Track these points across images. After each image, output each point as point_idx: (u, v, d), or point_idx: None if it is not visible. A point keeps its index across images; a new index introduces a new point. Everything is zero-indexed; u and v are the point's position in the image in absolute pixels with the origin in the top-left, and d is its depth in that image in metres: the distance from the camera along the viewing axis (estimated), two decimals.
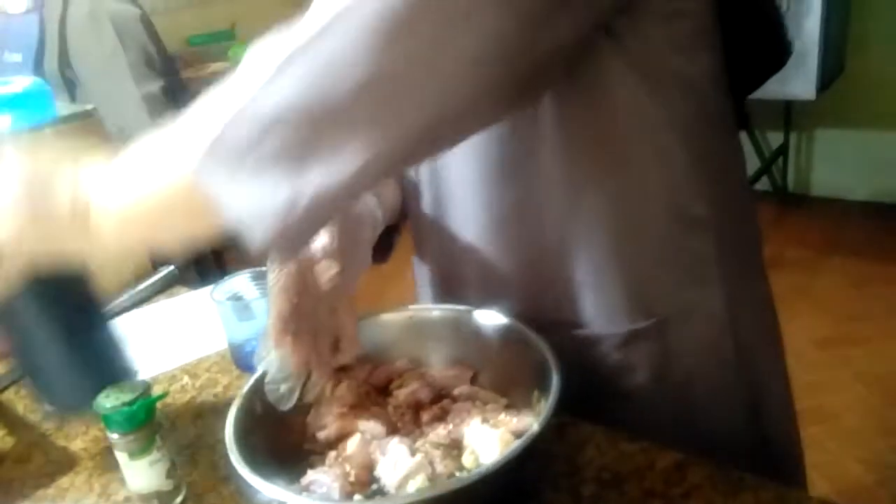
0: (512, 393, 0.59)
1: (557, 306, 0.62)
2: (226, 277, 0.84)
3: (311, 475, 0.53)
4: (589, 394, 0.60)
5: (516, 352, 0.58)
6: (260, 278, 0.83)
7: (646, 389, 0.62)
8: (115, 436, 0.58)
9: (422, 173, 0.67)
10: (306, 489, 0.52)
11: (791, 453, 0.72)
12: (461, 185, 0.63)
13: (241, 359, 0.81)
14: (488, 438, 0.51)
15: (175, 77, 1.74)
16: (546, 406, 0.49)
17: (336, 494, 0.50)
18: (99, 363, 0.63)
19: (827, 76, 2.61)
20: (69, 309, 0.60)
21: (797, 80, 2.51)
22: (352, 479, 0.51)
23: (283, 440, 0.58)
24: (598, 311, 0.61)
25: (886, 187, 3.14)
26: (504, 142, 0.58)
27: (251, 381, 0.59)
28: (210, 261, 1.79)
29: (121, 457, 0.59)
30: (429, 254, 0.73)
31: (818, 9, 2.42)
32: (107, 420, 0.57)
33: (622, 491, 0.54)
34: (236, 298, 0.82)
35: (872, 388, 2.17)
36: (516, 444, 0.47)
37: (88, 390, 0.60)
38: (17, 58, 1.64)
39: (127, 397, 0.57)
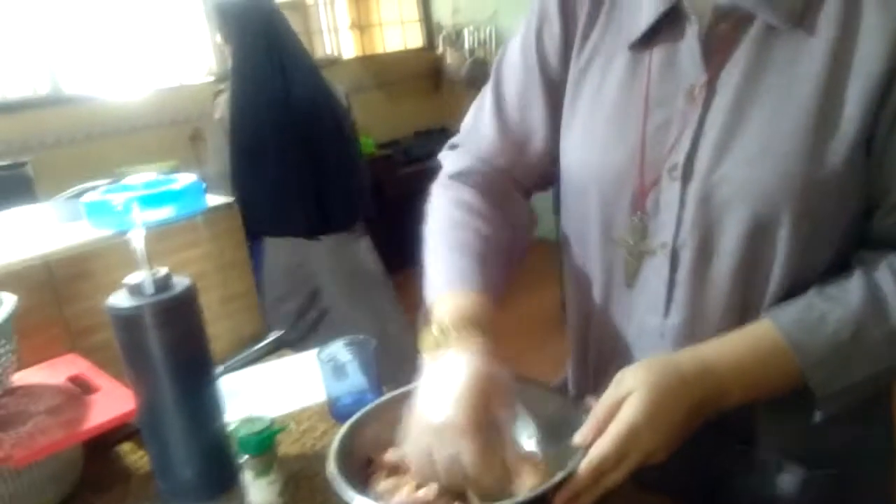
0: None
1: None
2: (327, 343, 1.03)
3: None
4: None
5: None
6: (352, 344, 1.01)
7: None
8: (245, 457, 0.76)
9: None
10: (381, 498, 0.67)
11: None
12: None
13: (336, 410, 0.99)
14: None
15: None
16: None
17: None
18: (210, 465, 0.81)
19: None
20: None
21: None
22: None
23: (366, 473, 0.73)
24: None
25: None
26: None
27: (345, 427, 0.74)
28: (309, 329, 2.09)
29: (247, 475, 0.77)
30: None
31: None
32: (241, 444, 0.75)
33: None
34: (335, 361, 1.00)
35: None
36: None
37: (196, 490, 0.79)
38: None
39: (257, 427, 0.76)
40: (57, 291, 1.04)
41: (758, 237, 0.67)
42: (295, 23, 4.70)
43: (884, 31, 0.63)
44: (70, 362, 1.01)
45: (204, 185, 1.20)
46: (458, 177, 0.86)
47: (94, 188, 1.37)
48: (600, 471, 0.61)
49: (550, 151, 0.83)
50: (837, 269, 0.69)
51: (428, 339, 0.70)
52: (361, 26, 5.05)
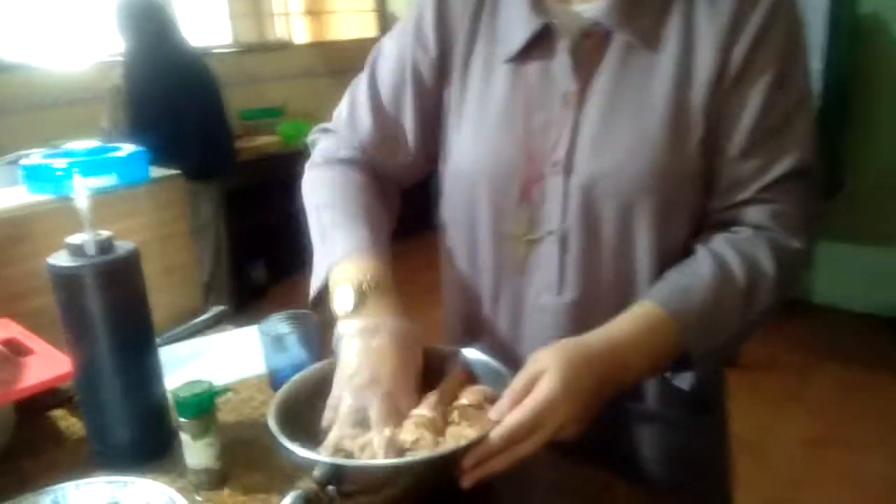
0: None
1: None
2: (268, 317, 1.04)
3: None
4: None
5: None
6: (292, 319, 1.03)
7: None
8: (183, 420, 0.77)
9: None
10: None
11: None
12: None
13: (276, 382, 1.00)
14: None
15: None
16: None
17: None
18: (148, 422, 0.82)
19: (823, 192, 2.83)
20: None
21: None
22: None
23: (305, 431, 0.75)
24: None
25: (884, 301, 3.28)
26: None
27: (282, 391, 0.76)
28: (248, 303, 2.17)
29: (185, 438, 0.78)
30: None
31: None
32: (180, 406, 0.76)
33: None
34: (275, 333, 1.02)
35: (856, 489, 2.26)
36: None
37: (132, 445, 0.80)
38: None
39: (197, 390, 0.77)
40: None
41: (629, 219, 0.78)
42: (246, 4, 4.64)
43: (712, 44, 0.75)
44: (3, 326, 0.99)
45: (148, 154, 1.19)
46: (340, 161, 0.92)
47: (28, 156, 1.34)
48: (512, 439, 0.64)
49: (421, 150, 0.91)
50: (691, 242, 0.81)
51: (343, 300, 0.76)
52: (314, 12, 5.00)
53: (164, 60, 2.88)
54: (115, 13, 2.85)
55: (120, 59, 2.96)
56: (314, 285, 0.83)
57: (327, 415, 0.73)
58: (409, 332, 0.75)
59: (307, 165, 0.95)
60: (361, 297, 0.76)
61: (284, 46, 4.73)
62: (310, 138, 0.99)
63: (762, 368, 3.01)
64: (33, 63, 3.51)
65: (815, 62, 2.61)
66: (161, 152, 2.62)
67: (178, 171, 1.23)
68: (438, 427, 0.69)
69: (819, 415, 2.65)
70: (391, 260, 0.83)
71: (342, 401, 0.71)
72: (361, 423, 0.70)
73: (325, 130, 0.97)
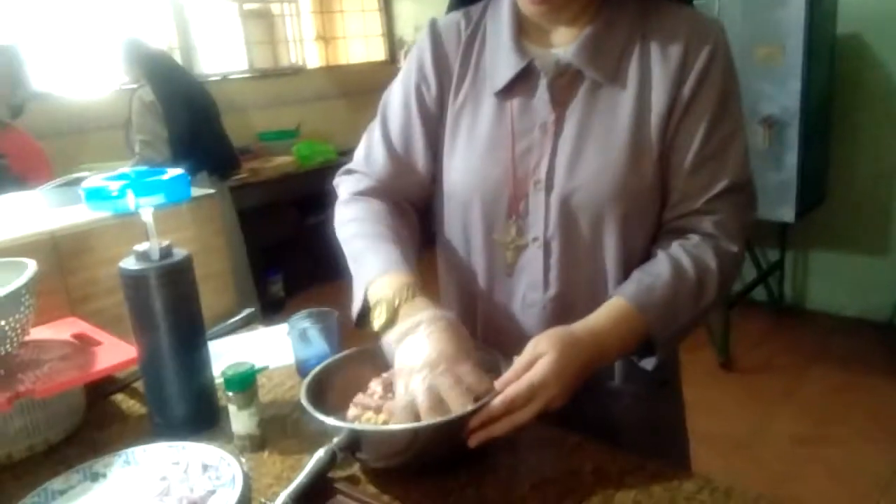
0: None
1: None
2: (295, 315, 1.21)
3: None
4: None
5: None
6: (316, 316, 1.19)
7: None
8: (230, 393, 0.94)
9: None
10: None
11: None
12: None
13: (303, 370, 1.16)
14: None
15: None
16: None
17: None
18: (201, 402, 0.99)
19: (805, 203, 3.00)
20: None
21: (782, 206, 2.90)
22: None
23: (329, 409, 0.91)
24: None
25: (873, 306, 3.41)
26: None
27: (310, 376, 0.92)
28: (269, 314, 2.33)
29: (232, 409, 0.94)
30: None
31: (795, 146, 2.83)
32: (228, 382, 0.93)
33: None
34: (301, 329, 1.18)
35: (843, 484, 2.36)
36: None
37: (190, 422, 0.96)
38: None
39: (241, 369, 0.94)
40: (61, 262, 1.20)
41: (600, 227, 0.93)
42: (261, 32, 4.86)
43: (664, 84, 0.90)
44: (71, 323, 1.17)
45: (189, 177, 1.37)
46: (362, 194, 1.06)
47: (78, 180, 1.53)
48: (511, 406, 0.80)
49: (431, 173, 1.05)
50: (652, 248, 0.95)
51: (378, 319, 0.91)
52: (326, 38, 5.22)
53: (179, 83, 3.35)
54: (128, 52, 3.30)
55: (135, 86, 3.28)
56: (355, 307, 0.96)
57: (352, 413, 0.87)
58: (449, 318, 0.87)
59: (336, 204, 1.09)
60: (394, 310, 0.89)
61: (298, 71, 4.94)
62: (335, 181, 1.12)
63: (756, 371, 3.14)
64: (61, 92, 3.73)
65: (795, 82, 2.78)
66: (191, 154, 3.18)
67: (209, 185, 1.40)
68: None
69: (809, 414, 2.77)
70: (420, 270, 0.96)
71: (407, 389, 0.83)
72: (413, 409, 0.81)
73: (349, 171, 1.11)
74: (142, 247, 0.96)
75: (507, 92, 0.96)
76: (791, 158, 2.85)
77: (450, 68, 1.02)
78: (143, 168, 1.42)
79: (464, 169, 1.00)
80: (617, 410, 1.02)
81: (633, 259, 0.95)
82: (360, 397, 0.89)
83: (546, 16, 0.94)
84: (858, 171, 3.33)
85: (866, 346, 3.27)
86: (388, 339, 0.89)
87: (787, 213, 2.93)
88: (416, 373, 0.83)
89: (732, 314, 3.19)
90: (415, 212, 1.11)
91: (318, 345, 1.17)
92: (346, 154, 4.52)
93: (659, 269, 0.91)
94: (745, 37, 2.84)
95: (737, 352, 3.23)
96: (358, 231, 1.01)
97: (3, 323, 0.95)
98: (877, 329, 3.38)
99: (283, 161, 4.19)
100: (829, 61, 3.11)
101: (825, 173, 3.28)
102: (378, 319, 0.91)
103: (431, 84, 1.03)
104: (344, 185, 1.10)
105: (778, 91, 2.84)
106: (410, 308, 0.89)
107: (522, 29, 0.97)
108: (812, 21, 2.78)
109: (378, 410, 0.85)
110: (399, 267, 0.94)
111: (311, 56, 5.10)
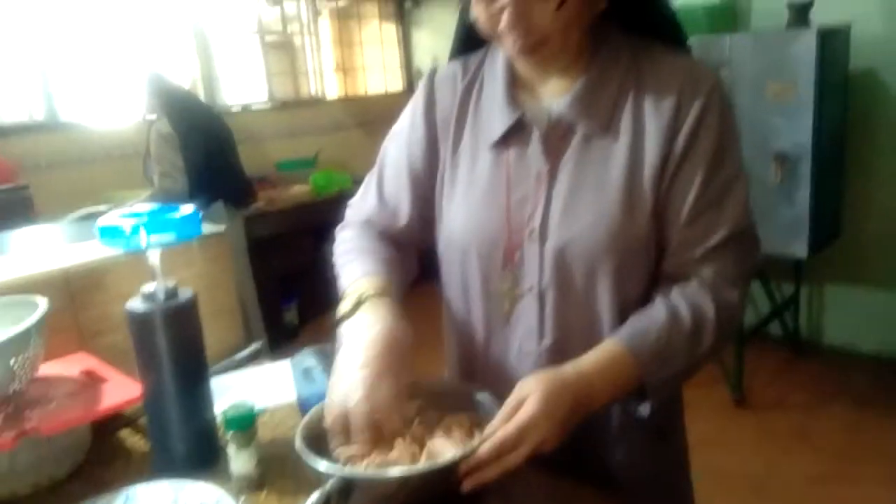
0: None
1: None
2: (298, 353, 1.23)
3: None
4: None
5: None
6: (319, 354, 1.21)
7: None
8: (230, 433, 0.95)
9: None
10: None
11: None
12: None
13: (304, 408, 1.18)
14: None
15: None
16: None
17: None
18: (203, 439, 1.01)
19: (819, 238, 2.98)
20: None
21: (794, 242, 2.88)
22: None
23: (327, 449, 0.92)
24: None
25: (891, 341, 3.36)
26: None
27: (308, 416, 0.93)
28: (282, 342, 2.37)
29: (231, 449, 0.96)
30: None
31: (808, 182, 2.83)
32: (228, 422, 0.95)
33: None
34: (304, 367, 1.20)
35: None
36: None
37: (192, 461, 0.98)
38: None
39: (242, 409, 0.96)
40: (73, 298, 1.24)
41: (594, 277, 0.93)
42: (282, 64, 4.96)
43: (658, 134, 0.90)
44: (81, 359, 1.20)
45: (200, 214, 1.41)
46: (358, 223, 1.12)
47: (95, 213, 1.58)
48: (501, 450, 0.80)
49: (417, 220, 1.08)
50: (647, 296, 0.95)
51: (344, 308, 0.94)
52: (345, 69, 5.31)
53: (196, 116, 3.49)
54: (150, 86, 3.43)
55: (154, 117, 3.41)
56: (338, 314, 0.99)
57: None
58: (396, 327, 0.89)
59: (336, 230, 1.15)
60: (357, 303, 0.92)
61: (317, 102, 5.03)
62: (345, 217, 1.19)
63: (770, 408, 3.10)
64: (84, 122, 3.83)
65: (807, 118, 2.78)
66: (208, 184, 3.30)
67: (224, 214, 1.44)
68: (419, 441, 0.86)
69: (824, 452, 2.73)
70: (399, 284, 1.00)
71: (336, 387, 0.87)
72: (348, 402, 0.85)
73: (349, 206, 1.18)
74: (148, 288, 0.99)
75: (502, 144, 0.98)
76: (803, 194, 2.84)
77: (446, 120, 1.04)
78: (160, 200, 1.46)
79: (462, 216, 1.01)
80: (615, 459, 1.02)
81: (628, 309, 0.94)
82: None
83: (536, 67, 0.95)
84: (874, 205, 3.31)
85: (884, 382, 3.22)
86: (341, 331, 0.92)
87: (800, 249, 2.91)
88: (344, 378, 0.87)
89: (747, 350, 3.15)
90: (410, 250, 1.13)
91: (320, 383, 1.19)
92: (361, 183, 4.66)
93: (655, 313, 0.91)
94: (757, 73, 2.84)
95: (751, 388, 3.20)
96: (349, 248, 1.07)
97: (12, 362, 0.98)
98: (893, 365, 3.33)
99: (299, 190, 4.24)
100: (842, 97, 3.11)
101: (840, 208, 3.26)
102: (342, 308, 0.94)
103: (420, 133, 1.05)
104: (346, 215, 1.17)
105: (790, 127, 2.84)
106: (372, 306, 0.92)
107: (516, 80, 0.99)
108: (824, 57, 2.78)
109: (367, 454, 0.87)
110: (378, 271, 0.99)
111: (330, 87, 5.19)
